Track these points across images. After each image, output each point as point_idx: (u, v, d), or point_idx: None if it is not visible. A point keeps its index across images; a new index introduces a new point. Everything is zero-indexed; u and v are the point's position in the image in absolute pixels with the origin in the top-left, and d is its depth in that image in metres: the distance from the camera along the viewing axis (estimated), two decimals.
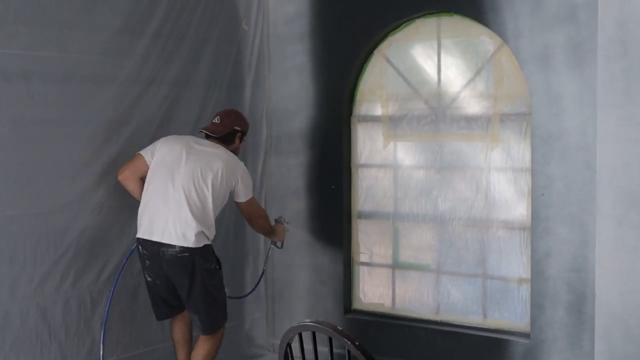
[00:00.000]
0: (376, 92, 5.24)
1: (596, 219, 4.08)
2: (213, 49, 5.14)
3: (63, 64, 4.23)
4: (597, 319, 4.10)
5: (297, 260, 5.53)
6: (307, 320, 2.50)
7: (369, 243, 5.36)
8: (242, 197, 4.42)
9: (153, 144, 4.43)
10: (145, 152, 4.38)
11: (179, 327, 4.53)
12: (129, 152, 4.59)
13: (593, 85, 4.19)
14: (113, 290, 4.45)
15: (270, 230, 4.77)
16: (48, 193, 4.20)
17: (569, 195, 4.40)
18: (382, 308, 5.30)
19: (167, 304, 4.43)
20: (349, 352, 2.30)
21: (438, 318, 5.05)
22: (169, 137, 4.50)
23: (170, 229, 4.16)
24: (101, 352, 4.37)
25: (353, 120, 5.34)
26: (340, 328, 2.38)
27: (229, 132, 4.49)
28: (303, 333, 2.52)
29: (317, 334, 2.46)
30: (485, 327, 4.86)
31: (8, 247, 4.03)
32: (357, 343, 2.25)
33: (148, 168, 4.33)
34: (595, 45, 4.08)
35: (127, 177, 4.37)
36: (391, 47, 5.15)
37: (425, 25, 5.01)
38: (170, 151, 4.32)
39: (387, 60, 5.17)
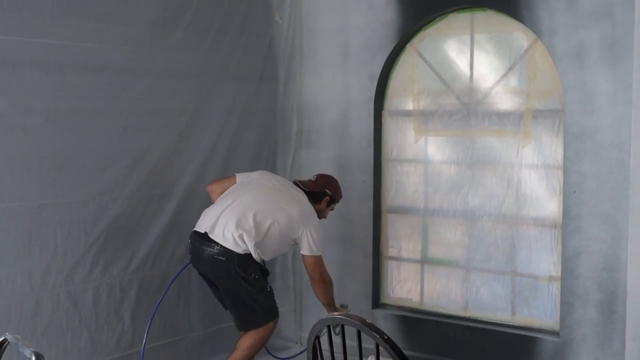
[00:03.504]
0: (408, 86, 5.22)
1: (629, 218, 4.05)
2: (245, 42, 5.15)
3: (98, 55, 4.26)
4: (628, 318, 4.06)
5: (326, 254, 5.50)
6: (336, 314, 2.50)
7: (398, 238, 5.34)
8: (304, 249, 4.34)
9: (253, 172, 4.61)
10: (240, 174, 4.52)
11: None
12: (160, 144, 4.63)
13: (628, 82, 4.14)
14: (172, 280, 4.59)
15: (332, 304, 4.57)
16: (80, 183, 4.24)
17: (602, 193, 4.36)
18: (411, 303, 5.29)
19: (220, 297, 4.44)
20: (377, 346, 2.30)
21: (466, 314, 5.02)
22: (269, 172, 4.72)
23: (217, 227, 4.19)
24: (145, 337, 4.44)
25: (384, 114, 5.32)
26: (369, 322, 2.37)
27: (319, 191, 4.57)
28: (332, 326, 2.52)
29: (345, 327, 2.46)
30: (514, 324, 4.83)
31: (40, 236, 4.07)
32: (386, 337, 2.24)
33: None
34: (631, 42, 4.04)
35: (213, 190, 4.48)
36: (424, 42, 5.13)
37: (459, 20, 4.98)
38: (259, 177, 4.49)
39: (419, 54, 5.15)
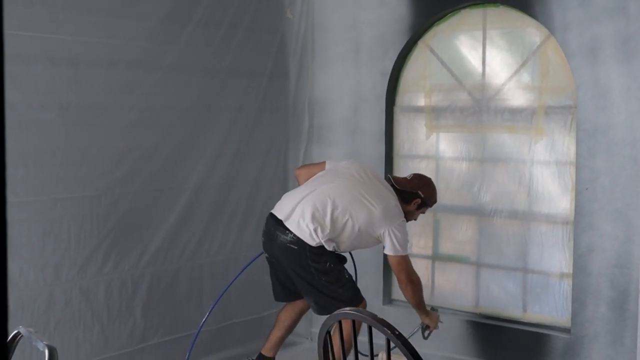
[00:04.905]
0: (419, 82, 5.21)
1: None
2: (257, 37, 5.15)
3: (109, 50, 4.28)
4: None
5: None
6: (347, 309, 2.50)
7: (409, 234, 5.32)
8: (387, 248, 4.13)
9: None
10: (330, 161, 4.39)
11: (287, 311, 4.46)
12: (171, 139, 4.64)
13: None
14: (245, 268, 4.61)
15: (422, 305, 4.36)
16: (92, 177, 4.26)
17: (614, 190, 4.34)
18: None
19: (283, 286, 4.33)
20: (388, 341, 2.30)
21: (477, 311, 5.02)
22: (360, 161, 4.47)
23: (293, 215, 4.07)
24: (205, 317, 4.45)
25: (396, 110, 5.32)
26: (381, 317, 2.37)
27: (411, 191, 4.30)
28: (342, 322, 2.52)
29: (357, 322, 2.46)
30: (525, 321, 4.82)
31: (53, 230, 4.09)
32: (397, 332, 2.24)
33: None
34: None
35: (300, 174, 4.39)
36: (435, 38, 5.12)
37: (471, 15, 4.97)
38: (349, 167, 4.28)
39: (431, 50, 5.14)
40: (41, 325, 4.01)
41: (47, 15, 3.97)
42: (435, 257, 5.25)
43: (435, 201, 4.47)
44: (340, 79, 5.45)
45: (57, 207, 4.10)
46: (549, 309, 4.76)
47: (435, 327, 4.46)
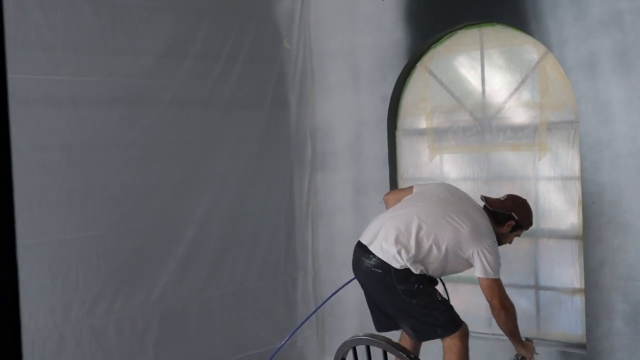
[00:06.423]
0: (420, 105, 5.22)
1: None
2: (255, 68, 5.17)
3: (108, 88, 4.29)
4: None
5: (346, 277, 5.50)
6: (361, 334, 2.48)
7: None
8: (477, 270, 3.91)
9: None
10: (417, 185, 4.30)
11: (404, 337, 4.25)
12: (175, 173, 4.64)
13: None
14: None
15: (517, 335, 4.08)
16: (97, 216, 4.26)
17: (621, 202, 4.32)
18: None
19: (382, 312, 4.12)
20: None
21: (491, 330, 4.98)
22: (448, 183, 4.40)
23: (377, 238, 3.95)
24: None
25: (398, 134, 5.32)
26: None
27: (503, 212, 4.09)
28: (357, 348, 2.50)
29: (371, 348, 2.44)
30: (540, 338, 4.78)
31: (60, 271, 4.08)
32: (413, 356, 2.22)
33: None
34: None
35: (388, 200, 4.32)
36: (434, 60, 5.13)
37: (467, 36, 4.99)
38: (435, 188, 4.19)
39: (430, 72, 5.15)
40: None
41: (46, 57, 3.99)
42: (446, 279, 5.20)
43: (531, 223, 4.23)
44: (341, 105, 5.46)
45: (63, 248, 4.09)
46: (563, 325, 4.72)
47: (532, 358, 4.16)
